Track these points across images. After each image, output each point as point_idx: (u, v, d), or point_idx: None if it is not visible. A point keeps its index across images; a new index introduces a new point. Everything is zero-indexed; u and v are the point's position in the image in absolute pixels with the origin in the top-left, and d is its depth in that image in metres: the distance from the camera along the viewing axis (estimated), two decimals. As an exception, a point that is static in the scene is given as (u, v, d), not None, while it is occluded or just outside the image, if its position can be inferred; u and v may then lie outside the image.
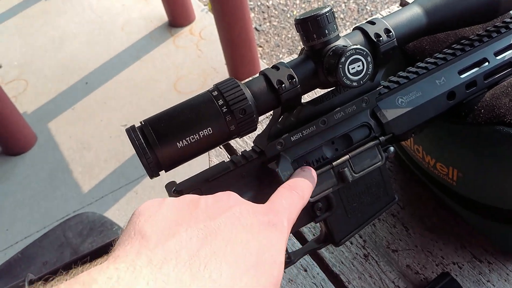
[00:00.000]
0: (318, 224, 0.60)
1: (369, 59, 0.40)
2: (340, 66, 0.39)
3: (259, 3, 2.83)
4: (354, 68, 0.40)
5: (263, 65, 2.32)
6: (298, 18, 0.41)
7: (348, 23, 2.60)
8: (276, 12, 2.76)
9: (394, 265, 0.56)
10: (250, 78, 0.43)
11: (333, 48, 0.41)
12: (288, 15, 2.71)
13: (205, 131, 0.39)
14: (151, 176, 0.40)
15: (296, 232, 0.60)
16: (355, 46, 0.39)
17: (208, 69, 2.35)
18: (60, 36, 2.71)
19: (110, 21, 2.74)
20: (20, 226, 1.82)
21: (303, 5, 2.75)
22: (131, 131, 0.38)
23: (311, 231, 0.61)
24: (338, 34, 0.42)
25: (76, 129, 2.18)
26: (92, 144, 2.08)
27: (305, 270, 0.57)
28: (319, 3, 2.75)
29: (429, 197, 0.61)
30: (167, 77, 2.34)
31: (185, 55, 2.45)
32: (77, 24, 2.77)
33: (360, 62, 0.40)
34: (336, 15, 2.43)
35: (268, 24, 2.69)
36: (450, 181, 0.51)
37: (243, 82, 0.41)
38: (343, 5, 2.71)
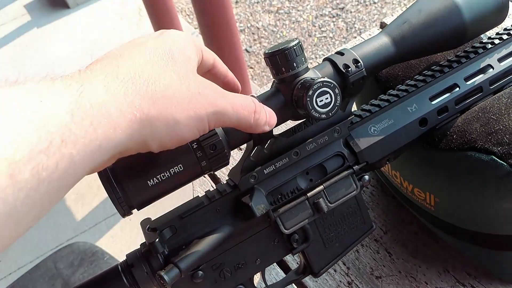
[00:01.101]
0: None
1: (336, 91, 0.41)
2: (308, 99, 0.40)
3: (249, 25, 2.87)
4: (322, 100, 0.40)
5: (254, 86, 2.34)
6: (266, 52, 0.42)
7: (337, 42, 2.63)
8: (266, 33, 2.79)
9: (378, 292, 0.56)
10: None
11: (302, 81, 0.41)
12: (278, 36, 2.74)
13: (176, 168, 0.39)
14: (123, 215, 0.40)
15: (279, 261, 0.59)
16: (322, 79, 0.40)
17: (200, 91, 2.36)
18: (53, 62, 2.73)
19: (102, 46, 2.76)
20: (14, 257, 1.80)
21: (293, 25, 2.78)
22: (102, 172, 0.38)
23: (294, 259, 0.61)
24: (307, 66, 0.42)
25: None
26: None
27: (289, 300, 0.57)
28: (308, 23, 2.78)
29: (411, 221, 0.61)
30: (159, 101, 2.35)
31: (176, 78, 2.46)
32: (69, 50, 2.79)
33: (328, 94, 0.40)
34: (325, 34, 2.45)
35: (258, 45, 2.72)
36: (428, 206, 0.51)
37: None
38: (331, 24, 2.75)
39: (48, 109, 0.26)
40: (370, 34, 0.90)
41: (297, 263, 0.60)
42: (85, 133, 0.27)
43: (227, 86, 0.44)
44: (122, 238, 1.75)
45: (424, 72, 0.50)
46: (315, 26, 2.76)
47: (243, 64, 2.12)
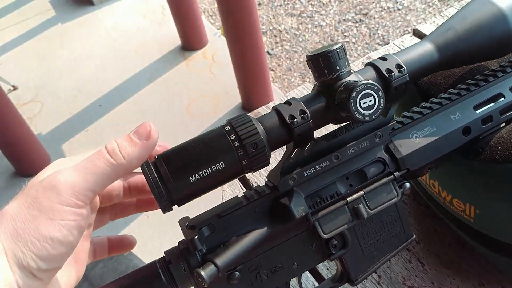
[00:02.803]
0: (333, 262, 0.59)
1: (380, 93, 0.40)
2: (352, 100, 0.39)
3: (271, 27, 2.87)
4: (365, 102, 0.40)
5: (275, 89, 2.33)
6: (309, 54, 0.41)
7: (360, 48, 2.61)
8: (288, 36, 2.79)
9: (410, 302, 0.55)
10: (260, 111, 0.44)
11: (345, 83, 0.41)
12: (300, 39, 2.74)
13: (218, 165, 0.39)
14: (164, 211, 0.40)
15: (313, 271, 0.59)
16: (366, 81, 0.39)
17: (221, 92, 2.37)
18: (76, 58, 2.77)
19: (124, 44, 2.79)
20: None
21: (315, 29, 2.78)
22: (145, 166, 0.38)
23: (327, 267, 0.60)
24: (350, 70, 0.42)
25: (89, 151, 2.20)
26: (104, 166, 2.10)
27: (318, 306, 0.56)
28: (331, 27, 2.77)
29: (444, 231, 0.60)
30: (180, 100, 2.36)
31: (197, 78, 2.48)
32: (92, 46, 2.83)
33: (372, 96, 0.40)
34: (348, 39, 2.44)
35: (280, 48, 2.72)
36: (467, 217, 0.50)
37: (256, 117, 0.41)
38: (354, 29, 2.73)
39: None
40: (402, 41, 0.89)
41: (327, 271, 0.60)
42: None
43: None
44: (139, 235, 1.76)
45: (467, 81, 0.49)
46: (337, 31, 2.75)
47: (266, 66, 2.13)
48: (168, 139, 2.21)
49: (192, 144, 0.39)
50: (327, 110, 0.42)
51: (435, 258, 0.58)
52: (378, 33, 2.67)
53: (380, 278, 0.57)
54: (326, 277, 0.59)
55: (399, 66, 0.43)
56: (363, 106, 0.40)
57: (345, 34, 2.72)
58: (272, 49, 2.72)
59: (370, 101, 0.40)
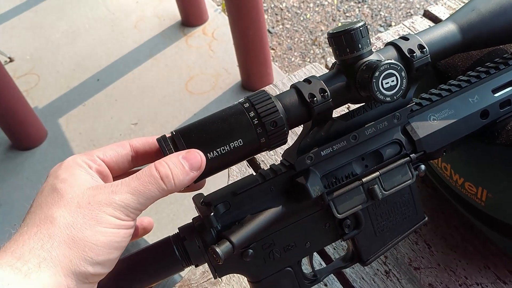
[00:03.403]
0: (343, 244, 0.59)
1: (403, 74, 0.39)
2: (374, 80, 0.39)
3: (272, 5, 2.83)
4: (388, 83, 0.39)
5: (275, 67, 2.31)
6: (331, 32, 0.41)
7: (361, 28, 2.59)
8: (289, 14, 2.75)
9: (416, 283, 0.55)
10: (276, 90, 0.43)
11: (367, 62, 0.40)
12: (301, 18, 2.70)
13: (236, 143, 0.38)
14: (181, 187, 0.39)
15: (320, 250, 0.59)
16: (389, 61, 0.39)
17: (220, 70, 2.35)
18: (74, 31, 2.72)
19: (124, 18, 2.74)
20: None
21: (317, 9, 2.74)
22: (162, 141, 0.38)
23: (335, 250, 0.60)
24: (371, 49, 0.41)
25: (87, 125, 2.18)
26: (102, 142, 2.09)
27: (325, 285, 0.57)
28: (333, 7, 2.74)
29: (451, 214, 0.60)
30: (179, 77, 2.34)
31: (197, 55, 2.45)
32: (90, 20, 2.78)
33: (394, 77, 0.39)
34: (350, 20, 2.42)
35: (281, 26, 2.69)
36: (479, 201, 0.50)
37: (274, 95, 0.41)
38: (356, 10, 2.70)
39: None
40: (412, 22, 0.88)
41: (333, 250, 0.60)
42: None
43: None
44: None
45: (487, 64, 0.48)
46: (339, 11, 2.71)
47: (266, 45, 2.10)
48: (167, 116, 2.19)
49: (210, 121, 0.39)
50: (347, 89, 0.41)
51: (442, 240, 0.58)
52: (381, 14, 2.64)
53: (386, 258, 0.58)
54: (332, 256, 0.59)
55: (421, 47, 0.42)
56: (385, 86, 0.39)
57: (347, 14, 2.68)
58: (273, 28, 2.68)
59: (393, 81, 0.39)
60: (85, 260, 0.33)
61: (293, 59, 2.48)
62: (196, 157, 0.37)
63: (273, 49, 2.55)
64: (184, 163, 0.37)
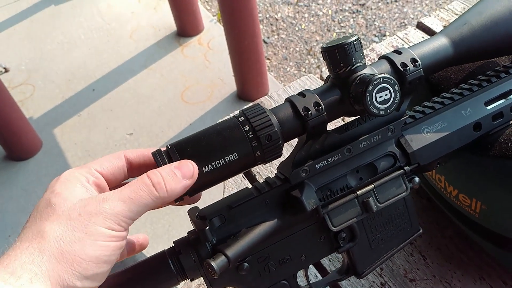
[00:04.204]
0: (339, 255, 0.59)
1: (396, 88, 0.40)
2: (368, 94, 0.39)
3: (267, 15, 2.84)
4: (381, 96, 0.40)
5: (271, 77, 2.32)
6: (325, 46, 0.41)
7: (356, 38, 2.60)
8: (284, 25, 2.77)
9: (412, 295, 0.55)
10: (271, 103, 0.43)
11: (360, 76, 0.40)
12: (297, 28, 2.72)
13: (231, 156, 0.38)
14: (175, 200, 0.39)
15: (316, 263, 0.59)
16: (382, 75, 0.39)
17: (216, 80, 2.36)
18: (69, 41, 2.72)
19: (119, 28, 2.75)
20: (22, 232, 1.81)
21: (312, 19, 2.76)
22: (157, 155, 0.38)
23: (331, 261, 0.60)
24: (365, 63, 0.42)
25: (82, 136, 2.18)
26: (97, 152, 2.08)
27: (321, 297, 0.56)
28: (327, 17, 2.76)
29: (446, 225, 0.60)
30: (174, 87, 2.34)
31: (192, 65, 2.45)
32: (86, 30, 2.78)
33: (388, 91, 0.40)
34: (344, 30, 2.43)
35: (276, 36, 2.70)
36: (473, 212, 0.50)
37: (269, 108, 0.41)
38: (351, 20, 2.72)
39: None
40: (406, 34, 0.89)
41: (329, 262, 0.60)
42: None
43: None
44: (136, 222, 1.75)
45: (479, 77, 0.49)
46: (334, 21, 2.73)
47: (262, 55, 2.11)
48: (162, 126, 2.19)
49: (205, 134, 0.39)
50: (342, 103, 0.41)
51: (437, 251, 0.58)
52: (375, 24, 2.67)
53: (382, 270, 0.58)
54: (328, 268, 0.59)
55: (414, 60, 0.42)
56: (379, 100, 0.39)
57: (342, 24, 2.71)
58: (268, 38, 2.70)
59: (386, 95, 0.40)
60: (73, 275, 0.33)
61: (288, 69, 2.49)
62: (188, 166, 0.37)
63: (268, 59, 2.56)
64: (176, 172, 0.37)
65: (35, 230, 0.34)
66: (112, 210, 0.34)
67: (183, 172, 0.37)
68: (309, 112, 0.40)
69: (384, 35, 2.59)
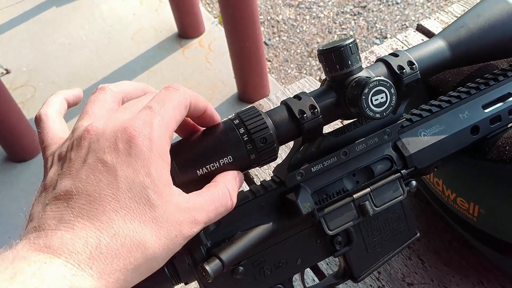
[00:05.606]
0: (336, 259, 0.59)
1: (392, 91, 0.40)
2: (363, 97, 0.39)
3: (269, 18, 2.85)
4: (377, 99, 0.39)
5: (272, 79, 2.32)
6: (321, 48, 0.41)
7: (357, 40, 2.60)
8: (285, 27, 2.77)
9: (409, 299, 0.55)
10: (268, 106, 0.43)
11: (356, 79, 0.40)
12: (298, 30, 2.72)
13: (225, 160, 0.38)
14: (169, 205, 0.39)
15: (313, 266, 0.58)
16: (378, 78, 0.39)
17: (216, 81, 2.36)
18: (70, 43, 2.73)
19: (120, 30, 2.75)
20: (23, 234, 1.81)
21: (313, 21, 2.76)
22: None
23: (328, 265, 0.60)
24: (361, 66, 0.41)
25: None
26: (98, 153, 2.08)
27: (318, 301, 0.56)
28: (329, 19, 2.76)
29: (444, 229, 0.60)
30: (175, 88, 2.34)
31: (193, 67, 2.46)
32: (87, 32, 2.79)
33: (384, 93, 0.39)
34: (345, 32, 2.43)
35: (277, 38, 2.70)
36: (471, 216, 0.50)
37: (264, 111, 0.41)
38: (352, 22, 2.72)
39: None
40: (405, 36, 0.88)
41: (327, 266, 0.60)
42: None
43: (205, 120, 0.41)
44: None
45: (477, 80, 0.49)
46: (335, 23, 2.73)
47: (263, 56, 2.11)
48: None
49: (200, 137, 0.39)
50: (338, 105, 0.41)
51: (435, 255, 0.58)
52: (376, 27, 2.66)
53: (379, 274, 0.57)
54: (325, 272, 0.59)
55: (410, 63, 0.42)
56: (374, 103, 0.39)
57: (343, 26, 2.70)
58: (269, 40, 2.70)
59: (382, 98, 0.39)
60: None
61: (289, 71, 2.49)
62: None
63: (269, 61, 2.56)
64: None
65: (136, 240, 0.32)
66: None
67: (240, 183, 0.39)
68: (305, 115, 0.39)
69: (386, 37, 2.59)
